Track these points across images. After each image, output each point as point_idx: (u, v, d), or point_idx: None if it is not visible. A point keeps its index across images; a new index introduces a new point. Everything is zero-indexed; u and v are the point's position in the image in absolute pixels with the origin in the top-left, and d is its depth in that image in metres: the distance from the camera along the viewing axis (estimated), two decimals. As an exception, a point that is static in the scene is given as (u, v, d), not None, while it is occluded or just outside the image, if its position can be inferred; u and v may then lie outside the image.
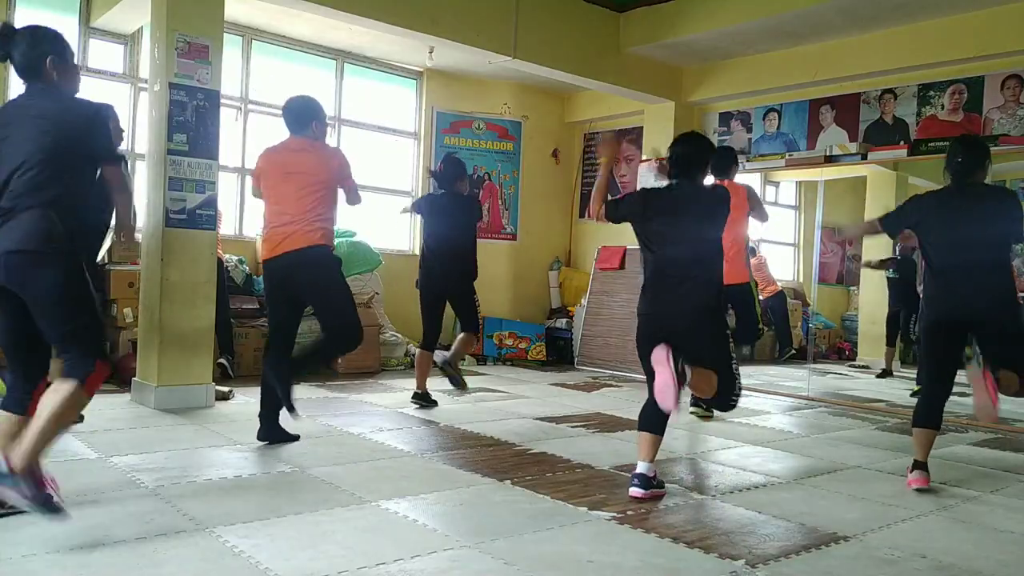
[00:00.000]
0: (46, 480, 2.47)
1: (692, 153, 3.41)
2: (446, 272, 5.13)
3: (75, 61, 2.76)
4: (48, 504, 2.41)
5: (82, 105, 2.65)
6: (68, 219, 2.51)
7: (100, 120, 2.62)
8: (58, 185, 2.51)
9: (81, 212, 2.59)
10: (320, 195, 3.81)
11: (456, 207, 5.24)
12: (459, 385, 5.27)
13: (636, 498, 3.25)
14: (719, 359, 3.30)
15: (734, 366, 3.34)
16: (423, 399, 5.32)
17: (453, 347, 5.29)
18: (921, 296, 3.80)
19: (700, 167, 3.42)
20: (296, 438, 4.03)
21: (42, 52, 2.61)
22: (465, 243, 5.20)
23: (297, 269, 3.76)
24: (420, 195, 8.29)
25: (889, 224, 3.93)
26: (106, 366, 2.57)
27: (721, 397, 3.36)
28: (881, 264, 8.06)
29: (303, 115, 3.96)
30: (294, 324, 3.99)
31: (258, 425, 4.00)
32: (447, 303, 5.27)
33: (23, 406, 2.60)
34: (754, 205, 5.13)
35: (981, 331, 3.67)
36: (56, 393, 2.45)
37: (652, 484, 3.29)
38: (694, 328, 3.29)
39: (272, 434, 3.98)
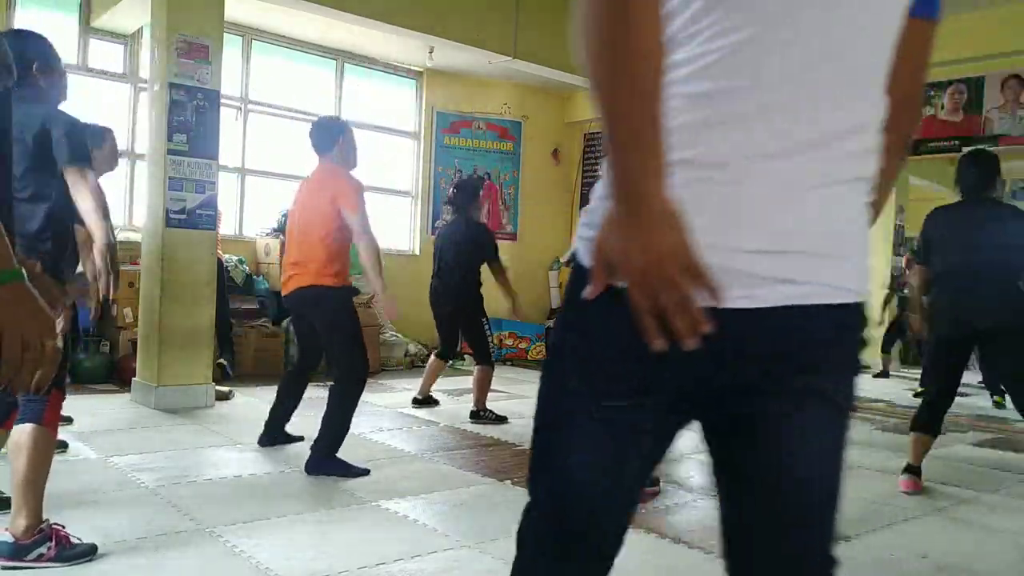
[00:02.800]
0: (55, 529, 2.37)
1: None
2: (439, 293, 5.08)
3: (62, 66, 2.63)
4: (75, 556, 2.35)
5: (42, 111, 2.47)
6: (47, 233, 2.39)
7: (53, 124, 2.45)
8: (37, 199, 2.39)
9: (58, 223, 2.46)
10: (330, 228, 3.54)
11: (459, 235, 5.07)
12: (497, 421, 4.94)
13: None
14: None
15: None
16: (423, 403, 5.33)
17: (473, 394, 5.04)
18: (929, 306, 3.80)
19: None
20: (300, 439, 4.01)
21: (27, 59, 2.45)
22: (458, 272, 4.98)
23: (306, 307, 3.66)
24: (420, 195, 8.33)
25: (923, 257, 3.85)
26: (61, 393, 2.42)
27: None
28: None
29: (325, 136, 3.70)
30: (318, 346, 3.83)
31: (261, 426, 4.00)
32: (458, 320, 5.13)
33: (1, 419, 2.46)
34: None
35: (986, 343, 3.67)
36: (19, 449, 2.31)
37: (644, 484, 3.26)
38: None
39: (275, 440, 3.96)
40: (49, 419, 2.35)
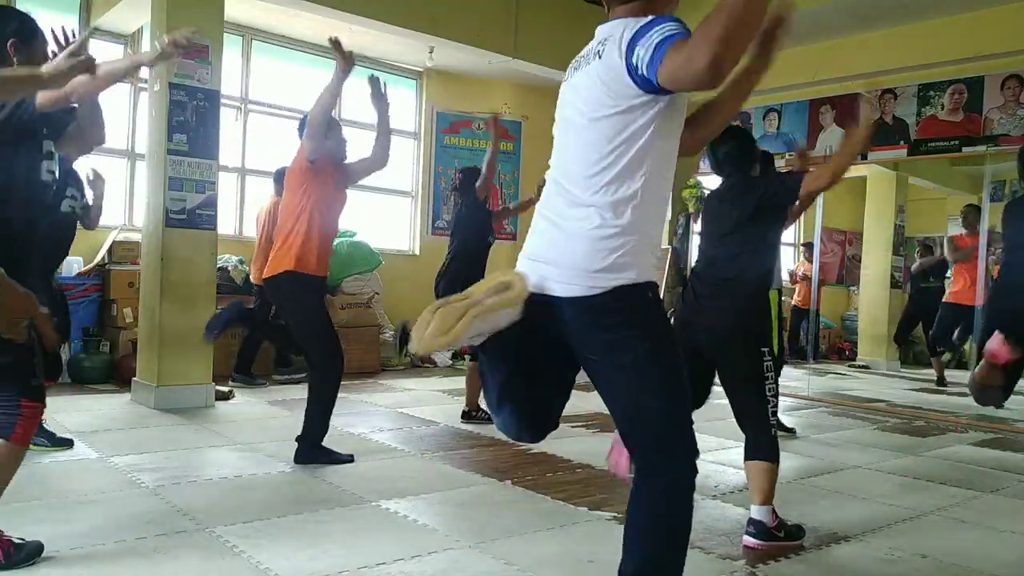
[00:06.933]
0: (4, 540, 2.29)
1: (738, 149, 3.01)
2: (439, 277, 5.09)
3: (44, 45, 2.40)
4: (24, 559, 2.27)
5: None
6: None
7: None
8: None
9: (25, 214, 2.27)
10: (292, 209, 3.58)
11: (460, 217, 5.10)
12: (490, 421, 4.92)
13: (612, 470, 3.12)
14: (750, 389, 2.82)
15: (768, 391, 2.79)
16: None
17: (465, 392, 4.96)
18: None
19: (750, 162, 3.04)
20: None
21: (3, 35, 2.29)
22: (457, 252, 4.97)
23: (274, 295, 3.73)
24: (419, 195, 8.33)
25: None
26: (36, 405, 2.28)
27: (750, 429, 2.86)
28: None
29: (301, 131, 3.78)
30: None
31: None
32: None
33: None
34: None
35: None
36: None
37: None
38: (724, 342, 2.84)
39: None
40: (19, 435, 2.24)
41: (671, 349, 1.77)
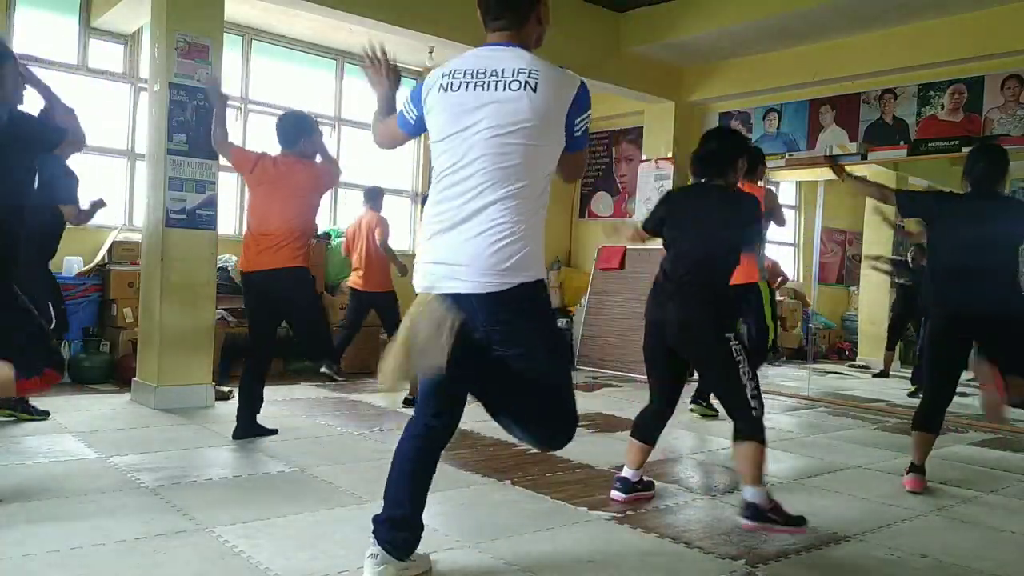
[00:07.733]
0: None
1: (720, 151, 3.17)
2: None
3: (15, 67, 2.59)
4: None
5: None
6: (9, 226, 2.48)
7: (24, 120, 2.52)
8: None
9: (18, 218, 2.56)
10: (302, 215, 3.95)
11: None
12: None
13: (616, 501, 3.21)
14: (719, 366, 2.96)
15: (743, 374, 2.91)
16: (414, 404, 5.29)
17: None
18: (926, 299, 3.77)
19: (730, 166, 3.17)
20: (274, 431, 4.14)
21: None
22: None
23: (275, 286, 3.90)
24: (420, 195, 8.30)
25: (904, 201, 3.79)
26: (56, 376, 2.62)
27: (732, 413, 2.94)
28: (883, 267, 8.09)
29: (292, 131, 4.04)
30: (273, 333, 4.14)
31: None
32: None
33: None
34: (771, 207, 4.94)
35: (986, 334, 3.59)
36: None
37: (635, 488, 3.25)
38: (691, 335, 3.01)
39: (248, 433, 4.06)
40: (26, 384, 2.53)
41: (561, 335, 2.14)
